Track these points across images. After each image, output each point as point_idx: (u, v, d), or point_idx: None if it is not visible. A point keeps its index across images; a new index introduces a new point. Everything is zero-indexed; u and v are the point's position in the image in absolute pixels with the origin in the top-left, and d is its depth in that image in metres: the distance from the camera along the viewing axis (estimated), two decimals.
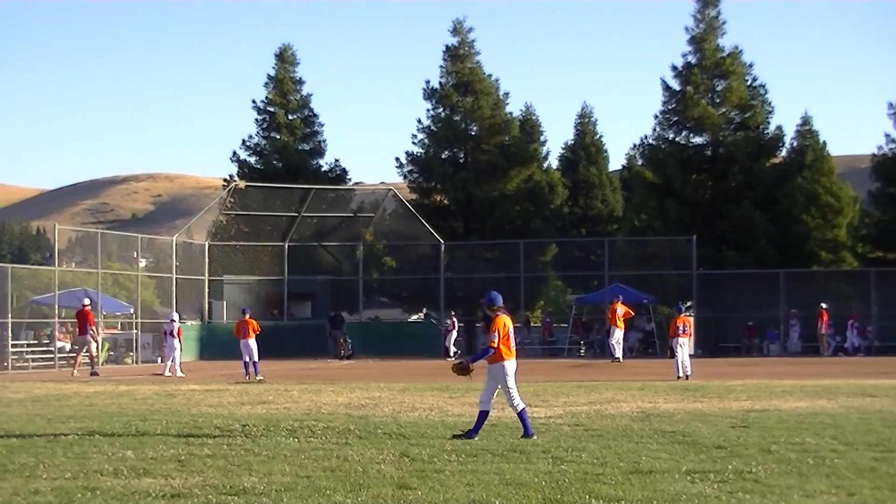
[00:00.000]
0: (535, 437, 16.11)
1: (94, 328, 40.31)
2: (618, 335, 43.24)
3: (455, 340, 52.18)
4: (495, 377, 16.74)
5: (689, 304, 50.93)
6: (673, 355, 32.97)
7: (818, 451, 14.39)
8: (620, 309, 42.78)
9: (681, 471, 12.67)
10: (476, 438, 16.11)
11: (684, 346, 33.00)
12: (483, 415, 16.70)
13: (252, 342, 34.68)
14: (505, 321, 16.82)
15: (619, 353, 42.98)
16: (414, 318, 69.04)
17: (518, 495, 11.11)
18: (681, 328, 33.29)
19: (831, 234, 71.64)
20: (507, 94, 66.60)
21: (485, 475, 12.49)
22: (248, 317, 35.75)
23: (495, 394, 16.96)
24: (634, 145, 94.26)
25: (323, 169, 67.42)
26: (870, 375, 31.59)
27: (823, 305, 49.98)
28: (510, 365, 16.79)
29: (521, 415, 16.63)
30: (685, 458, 13.84)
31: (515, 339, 17.43)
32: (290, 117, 67.21)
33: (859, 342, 51.00)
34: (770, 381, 29.44)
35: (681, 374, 31.99)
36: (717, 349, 53.08)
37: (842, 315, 53.09)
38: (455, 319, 52.42)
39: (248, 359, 34.58)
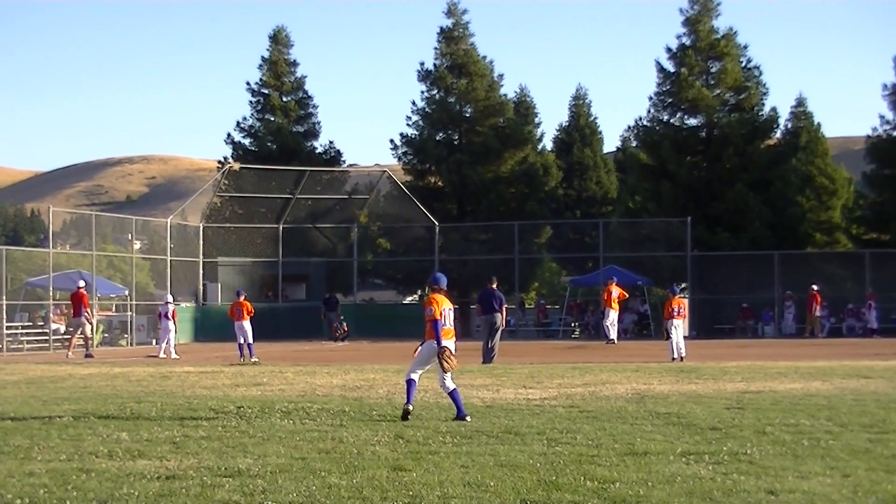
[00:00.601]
0: (411, 408, 16.41)
1: (88, 310, 40.27)
2: (612, 317, 43.29)
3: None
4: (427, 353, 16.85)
5: (683, 286, 51.02)
6: (668, 337, 33.03)
7: (813, 432, 14.40)
8: (615, 290, 42.86)
9: (675, 452, 12.68)
10: (468, 418, 16.16)
11: (679, 328, 33.06)
12: (454, 393, 16.63)
13: (246, 324, 34.72)
14: (439, 299, 17.05)
15: (613, 335, 43.02)
16: (408, 299, 69.06)
17: (513, 477, 11.11)
18: (675, 310, 33.35)
19: (826, 215, 71.63)
20: (501, 76, 66.55)
21: (479, 457, 12.49)
22: (242, 299, 35.78)
23: (429, 368, 17.18)
24: (629, 127, 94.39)
25: (317, 151, 67.38)
26: (864, 357, 31.62)
27: (815, 287, 49.91)
28: (430, 346, 16.87)
29: (408, 383, 16.87)
30: (680, 439, 13.85)
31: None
32: (284, 99, 67.16)
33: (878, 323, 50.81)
34: (765, 362, 29.46)
35: (675, 356, 32.05)
36: (711, 331, 53.13)
37: (836, 297, 53.26)
38: None
39: (242, 341, 34.63)
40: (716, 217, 58.03)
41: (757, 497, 10.09)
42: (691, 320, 53.68)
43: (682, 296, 41.13)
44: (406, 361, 31.96)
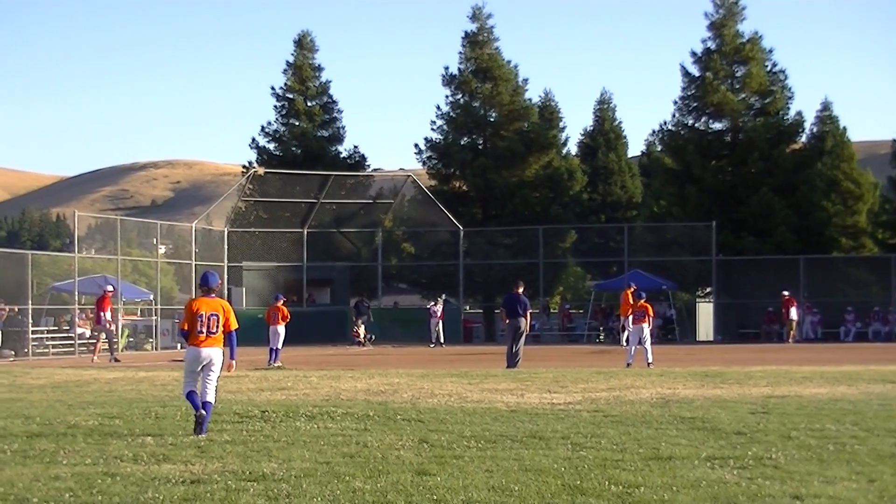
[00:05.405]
0: (203, 436, 15.05)
1: (107, 313, 40.19)
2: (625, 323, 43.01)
3: (438, 327, 50.36)
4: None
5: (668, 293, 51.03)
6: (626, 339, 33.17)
7: (838, 437, 14.35)
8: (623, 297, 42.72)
9: (700, 457, 12.65)
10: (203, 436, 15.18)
11: (635, 333, 32.50)
12: (206, 405, 15.70)
13: (281, 328, 34.49)
14: (201, 303, 15.89)
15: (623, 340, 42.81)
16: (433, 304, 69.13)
17: (537, 481, 11.10)
18: (637, 314, 32.79)
19: (851, 220, 71.30)
20: (525, 81, 66.50)
21: (504, 461, 12.48)
22: (279, 303, 35.49)
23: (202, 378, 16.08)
24: (654, 131, 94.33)
25: (342, 155, 67.49)
26: (890, 362, 31.43)
27: (786, 293, 49.37)
28: (192, 352, 15.98)
29: (188, 396, 15.79)
30: (705, 444, 13.81)
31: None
32: (308, 104, 67.25)
33: None
34: (790, 367, 29.35)
35: (630, 361, 31.55)
36: (736, 335, 53.13)
37: (862, 302, 53.06)
38: (437, 307, 50.91)
39: (273, 345, 34.46)
40: (741, 221, 57.90)
41: (782, 502, 10.07)
42: (716, 324, 53.70)
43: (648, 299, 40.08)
44: (430, 366, 32.10)
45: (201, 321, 15.71)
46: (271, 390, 22.87)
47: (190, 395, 15.68)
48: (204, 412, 15.44)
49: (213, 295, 16.11)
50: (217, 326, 15.82)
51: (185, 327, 15.98)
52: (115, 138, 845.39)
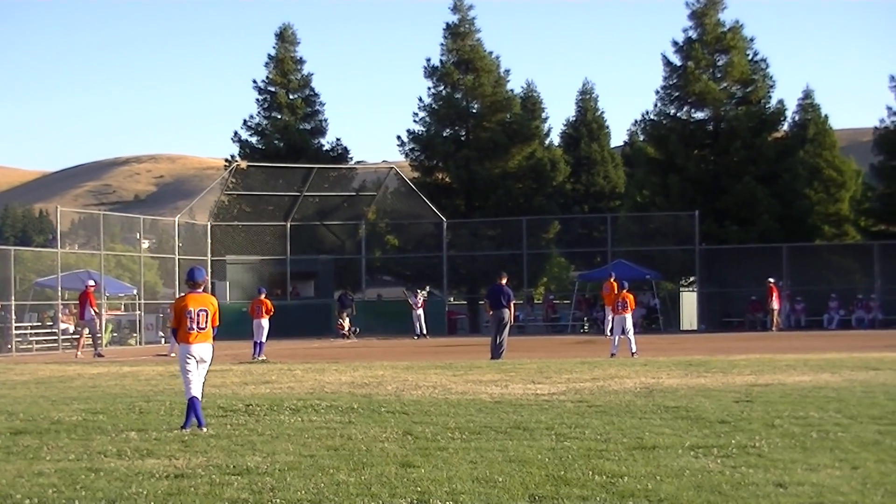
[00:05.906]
0: (188, 430, 14.97)
1: (94, 308, 40.17)
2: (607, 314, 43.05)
3: (421, 318, 50.18)
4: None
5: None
6: (610, 329, 33.11)
7: (822, 424, 14.38)
8: (606, 288, 42.73)
9: (684, 446, 12.66)
10: (205, 430, 15.09)
11: (618, 323, 32.55)
12: (194, 401, 15.44)
13: (265, 322, 34.46)
14: (190, 300, 15.72)
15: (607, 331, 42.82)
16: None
17: (522, 472, 11.10)
18: (620, 304, 32.78)
19: (834, 208, 71.47)
20: (507, 72, 66.53)
21: (488, 452, 12.48)
22: (262, 296, 35.47)
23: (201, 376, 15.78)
24: (636, 121, 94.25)
25: (324, 148, 67.43)
26: (874, 349, 31.55)
27: (771, 280, 49.46)
28: (183, 349, 15.72)
29: (190, 402, 15.42)
30: (688, 433, 13.83)
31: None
32: (291, 97, 67.18)
33: None
34: (773, 355, 29.39)
35: (614, 352, 31.60)
36: (720, 324, 53.22)
37: (845, 289, 53.19)
38: (416, 298, 50.68)
39: (257, 338, 34.40)
40: (724, 210, 58.02)
41: (766, 490, 10.07)
42: (700, 313, 53.78)
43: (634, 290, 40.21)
44: (414, 357, 32.10)
45: (190, 317, 15.59)
46: (255, 384, 22.85)
47: (192, 402, 15.42)
48: (205, 429, 15.30)
49: (200, 290, 16.04)
50: (206, 322, 15.71)
51: (175, 325, 15.93)
52: (98, 133, 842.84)
